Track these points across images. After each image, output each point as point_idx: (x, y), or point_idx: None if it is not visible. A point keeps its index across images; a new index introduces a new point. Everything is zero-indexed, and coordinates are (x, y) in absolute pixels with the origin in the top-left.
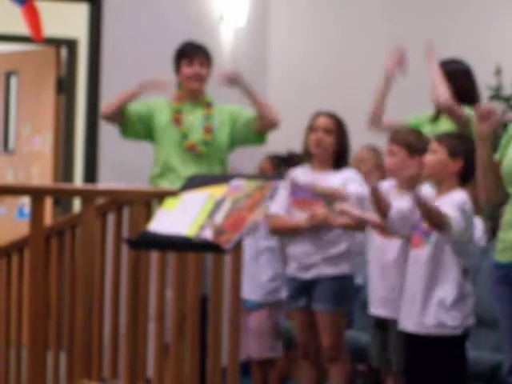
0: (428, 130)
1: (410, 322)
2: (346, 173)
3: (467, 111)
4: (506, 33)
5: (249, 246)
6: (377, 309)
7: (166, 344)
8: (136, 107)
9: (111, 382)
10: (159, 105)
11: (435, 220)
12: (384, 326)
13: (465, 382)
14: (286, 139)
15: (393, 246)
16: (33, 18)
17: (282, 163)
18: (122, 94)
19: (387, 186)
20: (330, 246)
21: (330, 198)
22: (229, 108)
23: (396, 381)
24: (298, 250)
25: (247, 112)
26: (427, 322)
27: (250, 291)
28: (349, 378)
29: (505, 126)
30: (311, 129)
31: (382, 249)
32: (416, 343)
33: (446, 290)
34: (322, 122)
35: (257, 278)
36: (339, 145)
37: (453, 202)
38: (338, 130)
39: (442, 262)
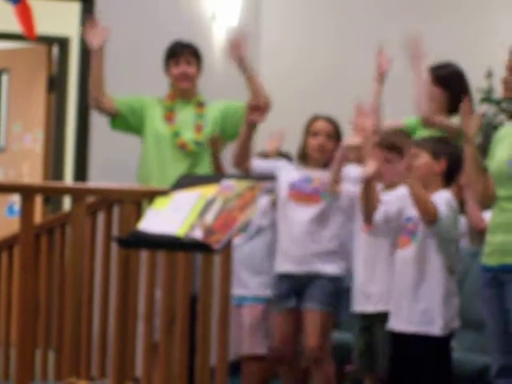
0: (422, 133)
1: (397, 321)
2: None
3: (455, 121)
4: (498, 35)
5: (244, 242)
6: (362, 305)
7: (155, 343)
8: (129, 100)
9: (99, 381)
10: (152, 101)
11: (424, 207)
12: (369, 329)
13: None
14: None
15: (379, 241)
16: (26, 16)
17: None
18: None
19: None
20: (324, 243)
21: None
22: (219, 105)
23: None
24: (290, 246)
25: (236, 103)
26: (413, 320)
27: (247, 286)
28: (332, 380)
29: (495, 128)
30: (311, 133)
31: (367, 244)
32: (402, 342)
33: (432, 289)
34: (324, 127)
35: (252, 273)
36: (336, 147)
37: (440, 199)
38: (338, 135)
39: (427, 261)
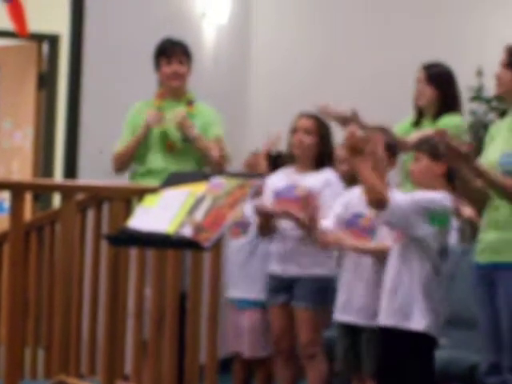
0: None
1: (380, 316)
2: (325, 174)
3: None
4: (488, 34)
5: (244, 245)
6: (348, 316)
7: (145, 341)
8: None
9: (89, 378)
10: (139, 110)
11: (369, 191)
12: (353, 331)
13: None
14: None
15: (366, 259)
16: (18, 13)
17: (271, 161)
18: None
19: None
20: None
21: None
22: (210, 113)
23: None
24: (282, 247)
25: (215, 129)
26: (391, 315)
27: (246, 290)
28: (326, 376)
29: (485, 126)
30: (293, 130)
31: (356, 261)
32: (384, 337)
33: (412, 286)
34: (303, 123)
35: (253, 277)
36: (320, 146)
37: (414, 195)
38: (319, 130)
39: (408, 258)
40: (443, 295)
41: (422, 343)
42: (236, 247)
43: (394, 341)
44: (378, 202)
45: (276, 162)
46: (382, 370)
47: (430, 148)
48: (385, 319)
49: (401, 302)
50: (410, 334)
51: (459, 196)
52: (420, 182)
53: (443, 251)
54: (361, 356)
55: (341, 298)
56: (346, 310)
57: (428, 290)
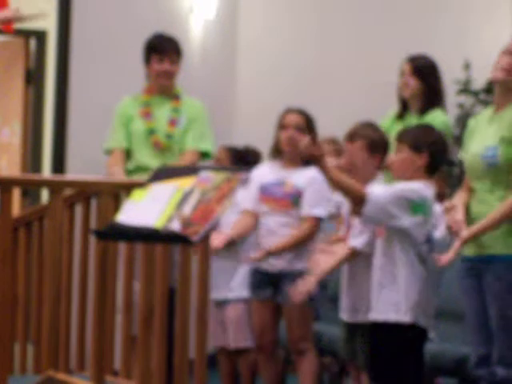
0: (396, 127)
1: (372, 311)
2: (312, 171)
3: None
4: (475, 27)
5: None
6: (347, 315)
7: (134, 336)
8: (121, 129)
9: (78, 374)
10: (128, 103)
11: (352, 196)
12: (349, 326)
13: (422, 375)
14: (255, 134)
15: (361, 257)
16: (3, 9)
17: (238, 157)
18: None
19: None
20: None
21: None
22: (196, 109)
23: (359, 373)
24: (268, 242)
25: (201, 127)
26: (377, 308)
27: (228, 289)
28: (317, 370)
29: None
30: (281, 126)
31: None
32: (377, 332)
33: (398, 279)
34: (293, 119)
35: (234, 273)
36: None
37: (391, 187)
38: (308, 126)
39: (392, 250)
40: (432, 285)
41: (412, 335)
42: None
43: (384, 335)
44: (358, 200)
45: (244, 156)
46: (373, 364)
47: (411, 139)
48: (375, 314)
49: (388, 295)
50: (399, 326)
51: (440, 187)
52: (400, 174)
53: (428, 240)
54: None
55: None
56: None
57: (414, 281)
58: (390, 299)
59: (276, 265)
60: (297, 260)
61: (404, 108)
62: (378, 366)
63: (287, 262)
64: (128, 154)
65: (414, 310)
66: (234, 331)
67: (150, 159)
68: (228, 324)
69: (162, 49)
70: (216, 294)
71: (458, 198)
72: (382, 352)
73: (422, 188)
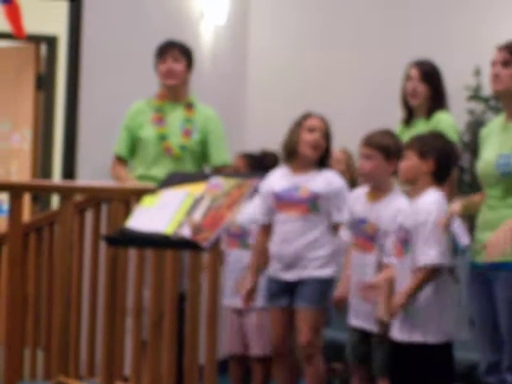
0: (406, 135)
1: (395, 331)
2: (327, 174)
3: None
4: (487, 33)
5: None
6: (357, 321)
7: (144, 342)
8: (126, 139)
9: (88, 380)
10: (139, 108)
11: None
12: (362, 333)
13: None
14: (266, 139)
15: (370, 261)
16: (15, 14)
17: (256, 162)
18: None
19: (360, 192)
20: (316, 247)
21: None
22: (210, 121)
23: (370, 378)
24: (284, 250)
25: (218, 132)
26: (409, 330)
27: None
28: (324, 377)
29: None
30: (306, 128)
31: (359, 264)
32: (401, 352)
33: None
34: (320, 124)
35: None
36: (327, 147)
37: (430, 204)
38: (327, 131)
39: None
40: (457, 297)
41: (441, 353)
42: (234, 257)
43: (410, 355)
44: (432, 278)
45: (262, 161)
46: (396, 376)
47: (418, 146)
48: (399, 335)
49: (415, 316)
50: (426, 347)
51: (447, 193)
52: (406, 179)
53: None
54: (370, 356)
55: (351, 301)
56: (355, 314)
57: (441, 297)
58: (417, 321)
59: (293, 274)
60: (314, 269)
61: (409, 113)
62: (401, 372)
63: (305, 270)
64: (138, 161)
65: (445, 329)
66: (256, 339)
67: (157, 165)
68: (249, 332)
69: (164, 49)
70: (238, 302)
71: (463, 200)
72: (410, 372)
73: (441, 201)
